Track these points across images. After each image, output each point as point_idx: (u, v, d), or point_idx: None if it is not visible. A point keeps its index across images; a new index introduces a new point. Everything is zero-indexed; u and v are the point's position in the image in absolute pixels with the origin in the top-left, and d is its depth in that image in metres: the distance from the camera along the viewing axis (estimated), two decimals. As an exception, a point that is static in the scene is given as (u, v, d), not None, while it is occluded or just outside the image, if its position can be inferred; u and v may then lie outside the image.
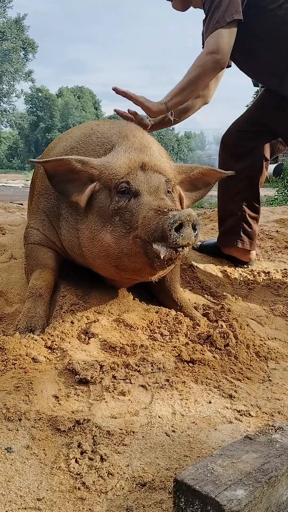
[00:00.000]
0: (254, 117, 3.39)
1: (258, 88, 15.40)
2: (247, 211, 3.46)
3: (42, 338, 2.23)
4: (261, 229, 4.31)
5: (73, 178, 2.36)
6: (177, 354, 2.18)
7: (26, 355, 2.07)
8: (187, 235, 1.98)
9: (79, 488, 1.52)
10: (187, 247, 2.07)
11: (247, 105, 34.33)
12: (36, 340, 2.19)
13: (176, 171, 2.49)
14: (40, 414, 1.77)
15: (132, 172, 2.28)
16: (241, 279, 3.36)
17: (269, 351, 2.43)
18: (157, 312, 2.51)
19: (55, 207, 2.65)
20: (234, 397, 1.98)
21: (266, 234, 4.14)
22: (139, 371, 2.03)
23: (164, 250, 2.01)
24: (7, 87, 43.29)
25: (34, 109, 59.10)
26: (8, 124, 46.62)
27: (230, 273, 3.41)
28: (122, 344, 2.22)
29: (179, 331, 2.37)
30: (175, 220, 1.96)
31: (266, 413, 1.94)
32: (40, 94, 59.14)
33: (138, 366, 2.04)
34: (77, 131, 2.83)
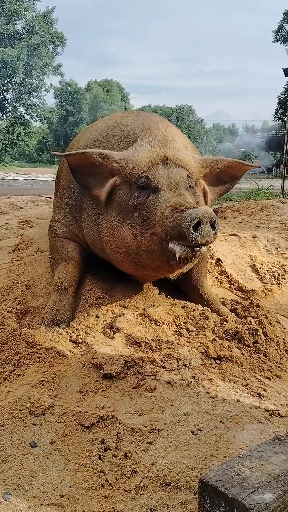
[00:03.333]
0: None
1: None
2: None
3: (67, 331, 2.22)
4: (292, 221, 4.19)
5: (95, 172, 2.32)
6: (203, 351, 2.13)
7: (51, 348, 2.06)
8: (206, 233, 1.93)
9: (102, 486, 1.49)
10: (205, 246, 2.00)
11: (278, 96, 33.61)
12: (61, 334, 2.18)
13: (200, 165, 2.41)
14: (64, 409, 1.75)
15: (152, 167, 2.22)
16: (271, 273, 3.26)
17: (300, 349, 2.34)
18: (183, 307, 2.46)
19: (78, 200, 2.63)
20: (263, 396, 1.92)
21: (298, 227, 4.02)
22: (164, 367, 1.99)
23: (179, 249, 1.96)
24: (36, 81, 43.57)
25: (64, 103, 59.47)
26: (37, 119, 47.00)
27: (259, 267, 3.32)
28: (147, 339, 2.18)
29: (206, 327, 2.32)
30: (192, 218, 1.90)
31: (296, 413, 1.87)
32: (69, 88, 59.46)
33: (164, 362, 2.01)
34: (102, 123, 2.79)
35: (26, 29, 41.79)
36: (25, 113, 44.78)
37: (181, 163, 2.27)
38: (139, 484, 1.50)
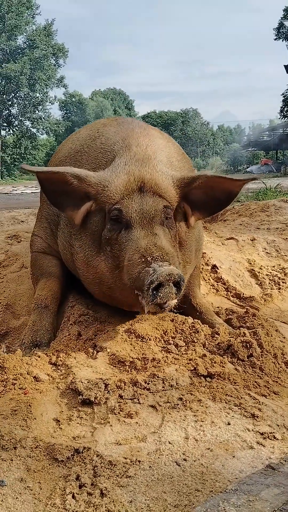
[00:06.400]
0: None
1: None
2: None
3: (46, 353, 2.08)
4: (293, 221, 4.00)
5: (69, 190, 2.13)
6: (192, 368, 1.97)
7: (27, 373, 1.92)
8: (166, 294, 1.85)
9: (73, 530, 1.34)
10: (172, 301, 1.92)
11: (283, 94, 33.37)
12: (39, 357, 2.04)
13: (177, 186, 2.16)
14: (37, 442, 1.60)
15: (127, 196, 2.06)
16: (271, 278, 3.09)
17: (301, 360, 2.17)
18: (172, 320, 2.30)
19: (56, 215, 2.50)
20: (257, 417, 1.75)
21: (298, 227, 3.83)
22: (148, 389, 1.83)
23: (146, 304, 1.90)
24: (40, 94, 43.96)
25: (69, 114, 59.88)
26: (44, 131, 47.41)
27: (258, 272, 3.14)
28: (132, 358, 2.03)
29: (196, 341, 2.16)
30: (152, 280, 1.82)
31: (294, 434, 1.69)
32: (73, 99, 59.88)
33: (148, 384, 1.85)
34: (85, 132, 2.64)
35: (27, 43, 42.29)
36: (31, 127, 45.25)
37: (158, 190, 2.10)
38: (115, 527, 1.35)
